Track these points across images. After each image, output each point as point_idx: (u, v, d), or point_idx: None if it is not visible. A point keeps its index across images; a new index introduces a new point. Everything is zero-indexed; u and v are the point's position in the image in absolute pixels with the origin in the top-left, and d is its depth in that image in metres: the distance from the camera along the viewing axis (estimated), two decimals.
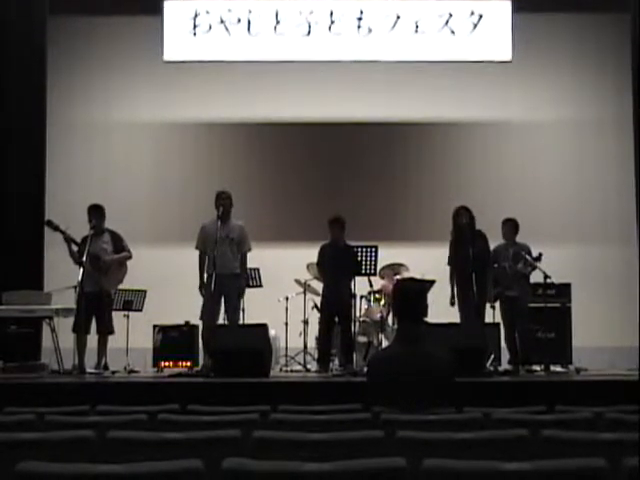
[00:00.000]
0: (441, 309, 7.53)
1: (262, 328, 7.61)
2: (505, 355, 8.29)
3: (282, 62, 10.38)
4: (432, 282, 8.13)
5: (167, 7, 10.24)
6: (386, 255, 8.74)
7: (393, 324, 8.56)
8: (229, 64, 10.51)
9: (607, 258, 10.54)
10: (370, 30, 10.23)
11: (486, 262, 8.13)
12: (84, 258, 7.68)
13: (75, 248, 7.89)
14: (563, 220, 10.68)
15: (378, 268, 8.47)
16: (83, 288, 7.69)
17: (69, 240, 7.86)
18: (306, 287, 9.15)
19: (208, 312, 7.75)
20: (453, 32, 10.24)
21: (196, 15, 10.23)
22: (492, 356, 7.86)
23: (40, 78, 10.05)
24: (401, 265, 9.25)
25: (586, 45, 10.97)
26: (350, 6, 10.25)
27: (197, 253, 7.99)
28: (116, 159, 10.93)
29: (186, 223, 9.48)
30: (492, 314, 8.20)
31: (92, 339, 8.02)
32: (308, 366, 8.53)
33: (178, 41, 10.26)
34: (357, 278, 8.18)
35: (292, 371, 8.49)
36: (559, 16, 10.89)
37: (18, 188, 9.71)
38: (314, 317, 8.75)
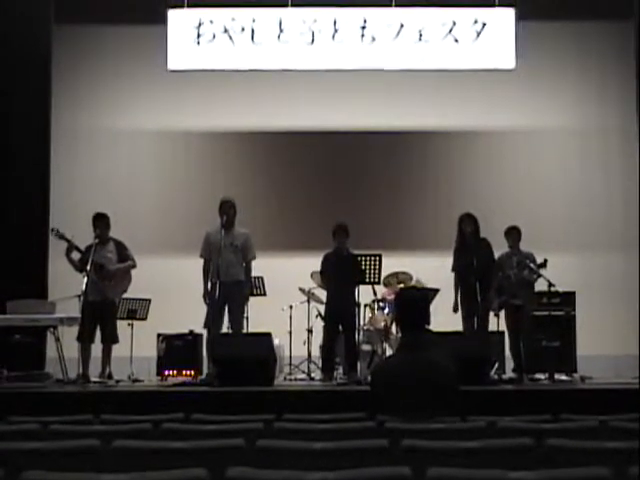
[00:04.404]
0: (445, 318, 7.54)
1: (266, 337, 7.61)
2: (509, 363, 8.27)
3: (286, 71, 10.39)
4: (436, 291, 8.13)
5: (171, 16, 10.26)
6: (390, 264, 8.74)
7: (397, 333, 8.54)
8: (233, 73, 10.51)
9: (611, 266, 10.51)
10: (374, 39, 10.23)
11: (490, 270, 8.11)
12: (88, 267, 7.68)
13: (77, 257, 7.90)
14: (567, 228, 10.66)
15: (382, 277, 8.47)
16: (87, 297, 7.69)
17: (72, 248, 7.86)
18: (310, 296, 9.15)
19: (212, 320, 7.74)
20: (457, 40, 10.23)
21: (200, 24, 10.24)
22: (496, 364, 7.85)
23: (45, 86, 10.09)
24: (405, 274, 9.24)
25: (590, 53, 10.96)
26: (354, 15, 10.25)
27: (201, 261, 7.99)
28: (120, 167, 10.95)
29: (190, 231, 9.48)
30: (497, 322, 8.18)
31: (96, 348, 8.04)
32: (312, 375, 8.53)
33: (182, 50, 10.27)
34: (361, 287, 8.18)
35: (296, 380, 8.48)
36: (563, 24, 10.90)
37: (23, 196, 9.74)
38: (318, 326, 8.74)
